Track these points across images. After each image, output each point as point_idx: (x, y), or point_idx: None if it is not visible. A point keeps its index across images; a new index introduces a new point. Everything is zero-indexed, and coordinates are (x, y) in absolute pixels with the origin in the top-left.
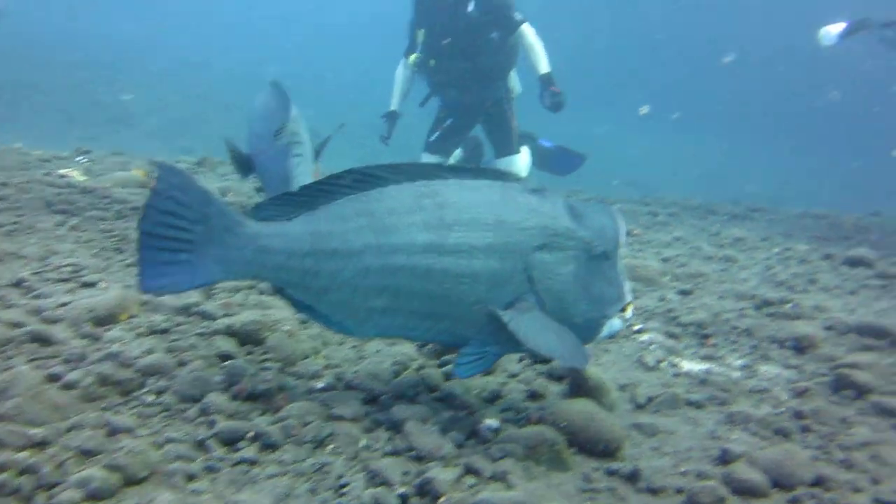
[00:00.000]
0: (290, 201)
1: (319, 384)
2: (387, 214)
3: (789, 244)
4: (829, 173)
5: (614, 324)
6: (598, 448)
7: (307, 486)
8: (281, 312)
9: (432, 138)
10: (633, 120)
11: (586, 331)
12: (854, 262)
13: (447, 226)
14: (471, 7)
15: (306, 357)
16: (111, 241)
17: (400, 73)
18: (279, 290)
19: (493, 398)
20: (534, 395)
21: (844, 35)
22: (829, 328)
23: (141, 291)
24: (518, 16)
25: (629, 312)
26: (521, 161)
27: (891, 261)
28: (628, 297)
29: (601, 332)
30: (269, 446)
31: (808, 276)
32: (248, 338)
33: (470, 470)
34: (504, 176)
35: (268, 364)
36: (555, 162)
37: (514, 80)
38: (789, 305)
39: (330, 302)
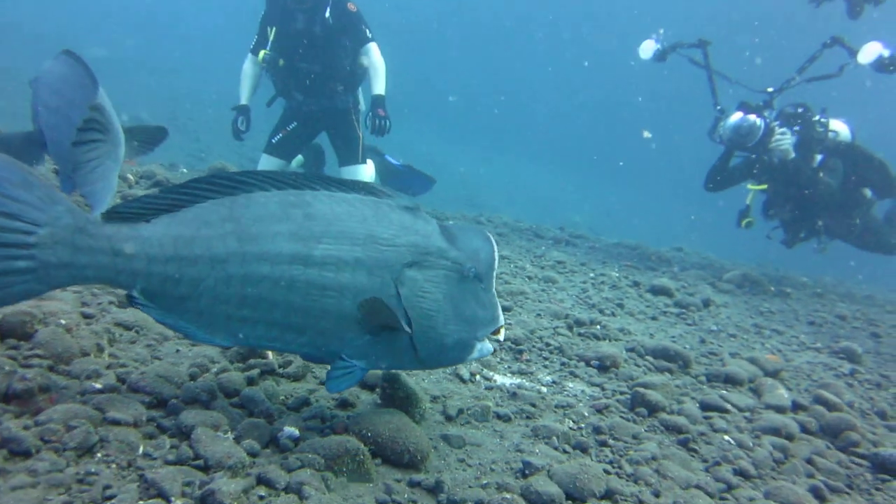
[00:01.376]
0: (148, 203)
1: (97, 385)
2: (253, 222)
3: (604, 270)
4: (645, 209)
5: (485, 346)
6: (403, 459)
7: (63, 498)
8: (57, 304)
9: (274, 140)
10: (479, 148)
11: (456, 351)
12: (657, 291)
13: (315, 237)
14: (327, 13)
15: (86, 355)
16: None
17: (248, 68)
18: (130, 297)
19: (300, 405)
20: (344, 404)
21: (658, 55)
22: (630, 350)
23: None
24: (368, 32)
25: (501, 335)
26: (366, 172)
27: (687, 291)
28: (501, 321)
29: (472, 354)
30: (20, 453)
31: (617, 301)
32: (11, 331)
33: (262, 481)
34: (377, 191)
35: (34, 361)
36: (403, 180)
37: (360, 100)
38: (598, 326)
39: (188, 310)
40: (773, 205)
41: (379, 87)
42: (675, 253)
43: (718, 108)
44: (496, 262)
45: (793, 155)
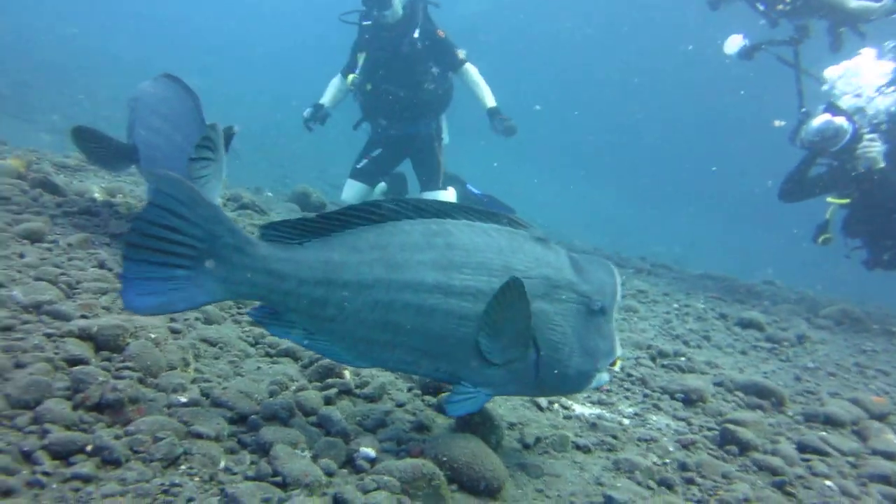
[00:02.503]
0: (301, 226)
1: (182, 398)
2: (399, 250)
3: (688, 301)
4: (732, 242)
5: (602, 377)
6: (479, 486)
7: None
8: (148, 319)
9: (359, 165)
10: (544, 169)
11: (577, 382)
12: (746, 324)
13: (456, 267)
14: (417, 33)
15: (172, 368)
16: None
17: (335, 81)
18: (274, 315)
19: (376, 427)
20: (420, 427)
21: (744, 52)
22: (718, 384)
23: (126, 310)
24: (461, 54)
25: (618, 366)
26: (446, 197)
27: (780, 326)
28: (618, 352)
29: (591, 384)
30: (111, 462)
31: (702, 333)
32: (105, 343)
33: (338, 500)
34: (512, 222)
35: (125, 373)
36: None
37: (444, 128)
38: (683, 359)
39: (332, 331)
40: (856, 221)
41: (489, 100)
42: (767, 286)
43: (803, 110)
44: (619, 295)
45: (882, 164)
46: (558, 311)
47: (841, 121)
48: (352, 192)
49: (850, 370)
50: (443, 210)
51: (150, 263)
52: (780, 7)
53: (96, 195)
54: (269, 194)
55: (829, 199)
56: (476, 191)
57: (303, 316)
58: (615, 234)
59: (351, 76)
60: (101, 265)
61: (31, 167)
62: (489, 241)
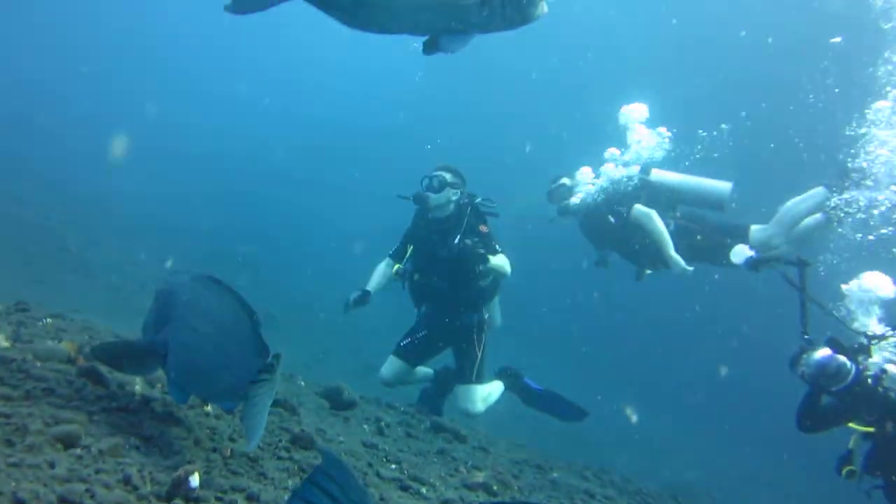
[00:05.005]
0: None
1: None
2: None
3: None
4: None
5: None
6: None
7: None
8: None
9: (402, 343)
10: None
11: None
12: None
13: None
14: (457, 239)
15: None
16: (6, 428)
17: (381, 267)
18: None
19: None
20: None
21: (752, 263)
22: None
23: None
24: (498, 247)
25: None
26: (480, 392)
27: None
28: None
29: None
30: None
31: None
32: None
33: None
34: None
35: None
36: (546, 406)
37: (496, 311)
38: None
39: None
40: (879, 458)
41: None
42: None
43: (806, 336)
44: None
45: None
46: None
47: (843, 359)
48: (391, 368)
49: None
50: None
51: None
52: None
53: (137, 387)
54: (302, 383)
55: (852, 425)
56: (536, 386)
57: None
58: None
59: (396, 266)
60: (127, 481)
61: (82, 350)
62: None
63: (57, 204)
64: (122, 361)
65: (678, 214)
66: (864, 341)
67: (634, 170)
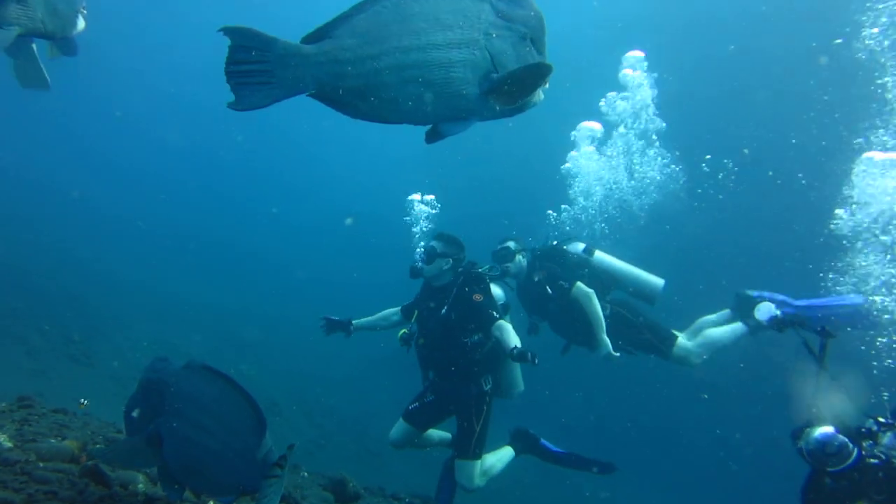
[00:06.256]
0: None
1: None
2: None
3: None
4: None
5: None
6: None
7: None
8: None
9: (411, 407)
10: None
11: None
12: None
13: None
14: (444, 310)
15: None
16: None
17: (386, 312)
18: None
19: None
20: None
21: (776, 322)
22: None
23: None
24: (496, 313)
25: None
26: (478, 467)
27: None
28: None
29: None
30: None
31: None
32: None
33: None
34: None
35: None
36: (570, 466)
37: (516, 377)
38: None
39: None
40: None
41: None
42: None
43: (814, 410)
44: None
45: None
46: None
47: (844, 439)
48: (399, 431)
49: None
50: None
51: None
52: None
53: (140, 485)
54: (305, 474)
55: None
56: (554, 448)
57: None
58: None
59: (402, 331)
60: None
61: (86, 448)
62: None
63: (61, 291)
64: (126, 461)
65: (608, 300)
66: (874, 427)
67: (578, 247)
